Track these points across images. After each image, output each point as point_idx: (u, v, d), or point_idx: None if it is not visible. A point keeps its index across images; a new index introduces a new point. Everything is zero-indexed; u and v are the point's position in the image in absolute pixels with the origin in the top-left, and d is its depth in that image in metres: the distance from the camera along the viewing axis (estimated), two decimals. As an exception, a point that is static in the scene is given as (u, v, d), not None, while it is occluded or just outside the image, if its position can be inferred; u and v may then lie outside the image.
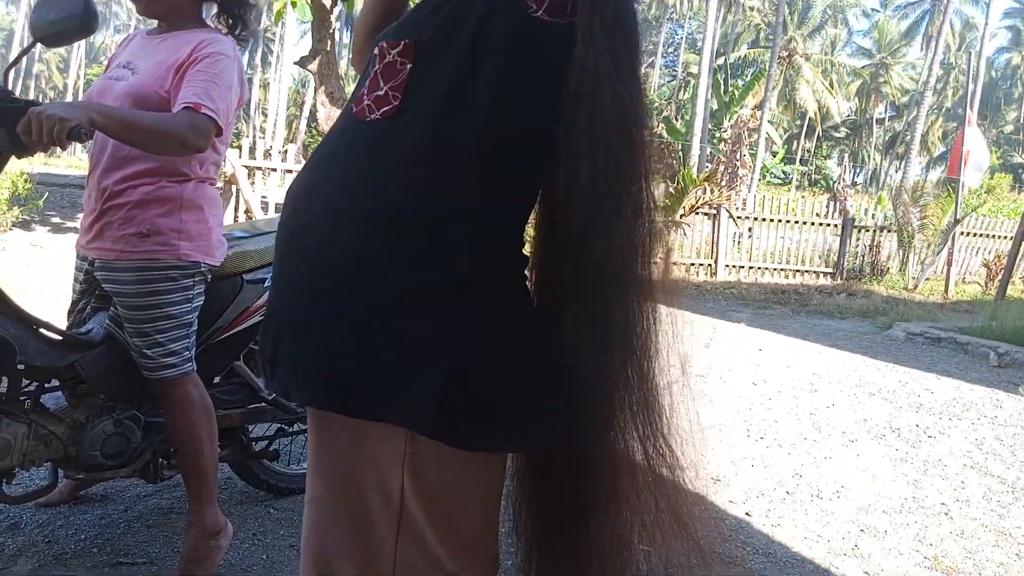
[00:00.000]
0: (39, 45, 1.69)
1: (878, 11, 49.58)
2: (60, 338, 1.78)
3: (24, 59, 1.83)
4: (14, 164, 2.23)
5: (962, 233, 11.46)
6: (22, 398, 1.74)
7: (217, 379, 2.12)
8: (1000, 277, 8.89)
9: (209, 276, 1.90)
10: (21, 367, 1.68)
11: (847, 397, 4.50)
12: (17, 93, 1.67)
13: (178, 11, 1.88)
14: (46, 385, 1.82)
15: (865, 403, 4.40)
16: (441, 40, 0.93)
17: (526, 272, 1.02)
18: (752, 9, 43.85)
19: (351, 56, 1.22)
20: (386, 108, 0.93)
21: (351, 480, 0.97)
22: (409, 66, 0.93)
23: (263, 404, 2.19)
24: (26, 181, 8.68)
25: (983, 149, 10.76)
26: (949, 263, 10.66)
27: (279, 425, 2.32)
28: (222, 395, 2.09)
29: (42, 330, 1.75)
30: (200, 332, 1.94)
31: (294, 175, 7.52)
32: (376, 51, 0.98)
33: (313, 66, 6.71)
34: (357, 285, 0.92)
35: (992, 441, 3.80)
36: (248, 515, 2.28)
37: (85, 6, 1.59)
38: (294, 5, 5.72)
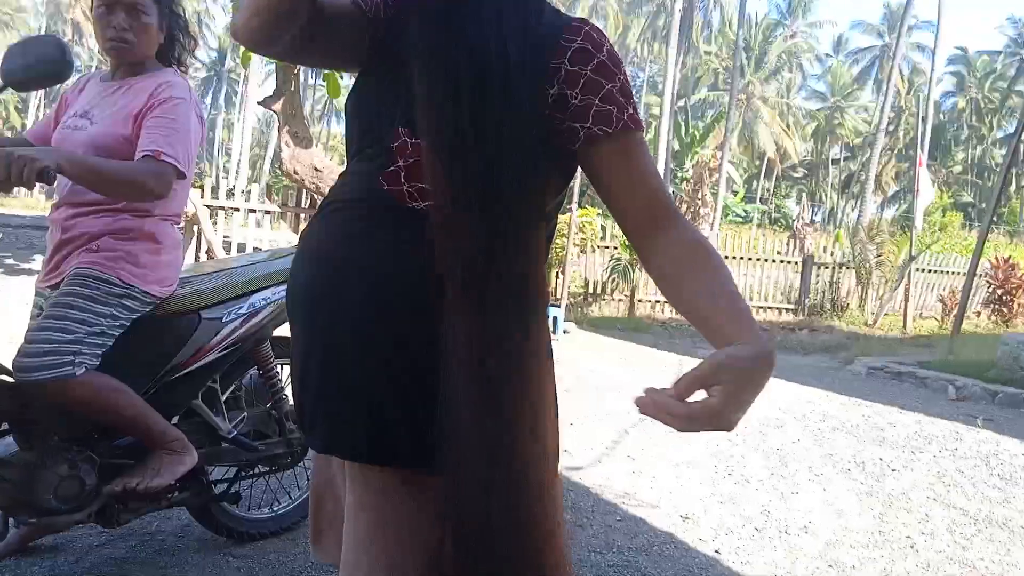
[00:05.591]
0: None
1: (831, 56, 51.39)
2: (12, 380, 1.72)
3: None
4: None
5: (918, 270, 11.76)
6: (-31, 444, 1.67)
7: (175, 419, 2.06)
8: (955, 312, 9.13)
9: (146, 309, 1.88)
10: (-31, 411, 1.62)
11: (812, 433, 4.54)
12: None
13: (145, 59, 1.95)
14: (-4, 429, 1.75)
15: (830, 438, 4.44)
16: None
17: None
18: (710, 54, 45.13)
19: (241, 32, 0.96)
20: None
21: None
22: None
23: (223, 445, 2.14)
24: (-20, 222, 8.47)
25: (929, 190, 11.11)
26: (906, 299, 10.91)
27: (239, 467, 2.26)
28: (180, 437, 2.03)
29: (-8, 372, 1.69)
30: (156, 370, 1.91)
31: (257, 215, 7.37)
32: (406, 141, 0.98)
33: (277, 106, 6.70)
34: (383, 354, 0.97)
35: (954, 473, 3.86)
36: (206, 564, 2.20)
37: (62, 54, 1.62)
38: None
